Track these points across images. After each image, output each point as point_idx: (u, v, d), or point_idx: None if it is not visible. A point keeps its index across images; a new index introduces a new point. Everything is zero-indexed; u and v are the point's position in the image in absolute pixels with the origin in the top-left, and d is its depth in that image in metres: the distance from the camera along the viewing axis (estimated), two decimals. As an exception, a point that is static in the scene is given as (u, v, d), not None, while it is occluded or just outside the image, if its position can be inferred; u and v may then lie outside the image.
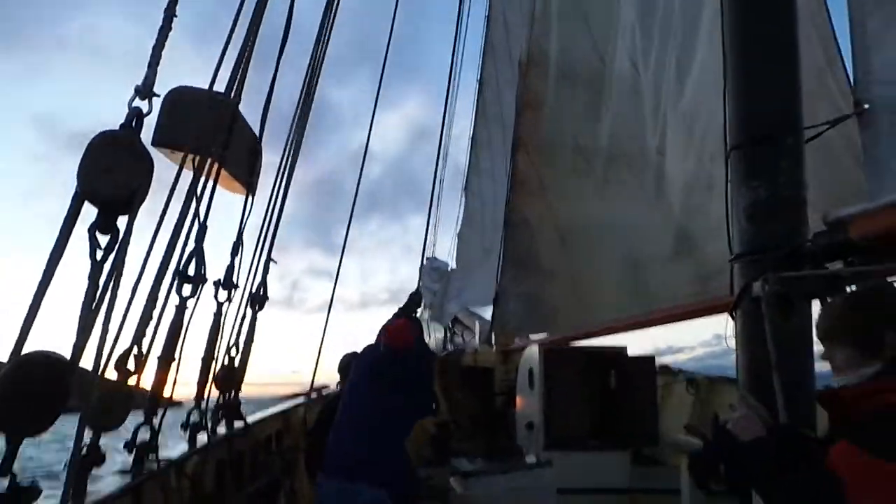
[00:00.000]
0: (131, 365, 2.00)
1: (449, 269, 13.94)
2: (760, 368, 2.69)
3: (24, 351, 1.46)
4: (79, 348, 1.48)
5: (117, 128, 1.65)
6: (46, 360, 1.45)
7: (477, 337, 10.30)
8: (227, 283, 2.95)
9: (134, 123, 1.60)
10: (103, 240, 1.55)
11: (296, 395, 5.85)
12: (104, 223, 1.53)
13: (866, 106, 3.20)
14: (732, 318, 2.93)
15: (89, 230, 1.53)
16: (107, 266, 1.54)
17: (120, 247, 1.53)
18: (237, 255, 3.00)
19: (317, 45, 3.61)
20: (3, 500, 1.43)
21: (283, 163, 3.25)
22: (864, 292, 1.84)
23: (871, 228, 2.61)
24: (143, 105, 1.65)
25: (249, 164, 2.88)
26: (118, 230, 1.57)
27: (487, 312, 10.31)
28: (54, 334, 1.66)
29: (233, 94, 2.42)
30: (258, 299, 3.41)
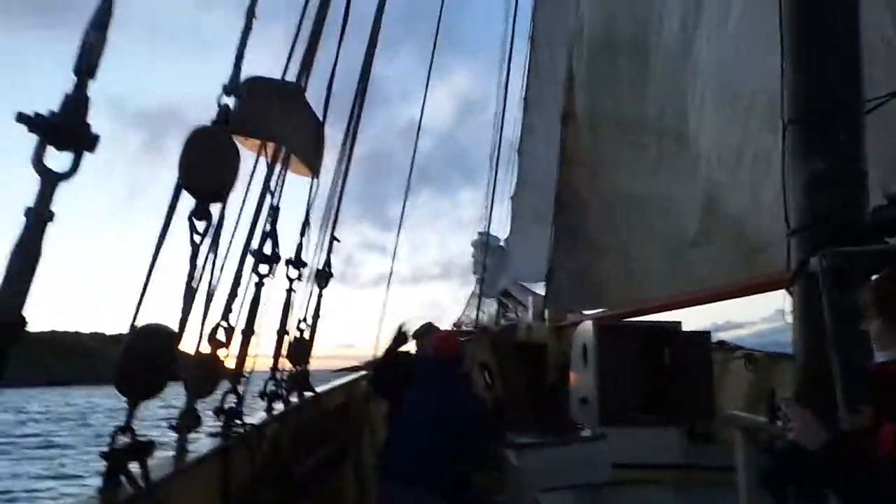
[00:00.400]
0: (221, 337, 2.23)
1: (501, 242, 14.04)
2: (817, 345, 2.73)
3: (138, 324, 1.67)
4: (183, 322, 1.69)
5: (202, 123, 1.84)
6: (159, 332, 1.66)
7: (530, 312, 10.40)
8: (297, 261, 3.16)
9: (222, 119, 1.78)
10: (199, 225, 1.75)
11: (354, 369, 6.10)
12: (201, 211, 1.72)
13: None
14: (790, 293, 2.97)
15: (189, 217, 1.72)
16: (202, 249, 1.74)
17: (215, 231, 1.73)
18: (304, 234, 3.21)
19: (374, 27, 3.76)
20: (125, 454, 1.66)
21: (344, 145, 3.44)
22: None
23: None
24: (230, 101, 1.83)
25: (315, 148, 3.07)
26: (212, 216, 1.76)
27: (539, 288, 10.41)
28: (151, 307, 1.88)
29: (302, 84, 2.59)
30: (324, 276, 3.63)
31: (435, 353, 3.67)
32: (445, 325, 12.06)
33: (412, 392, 3.47)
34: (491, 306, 13.14)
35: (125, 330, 1.60)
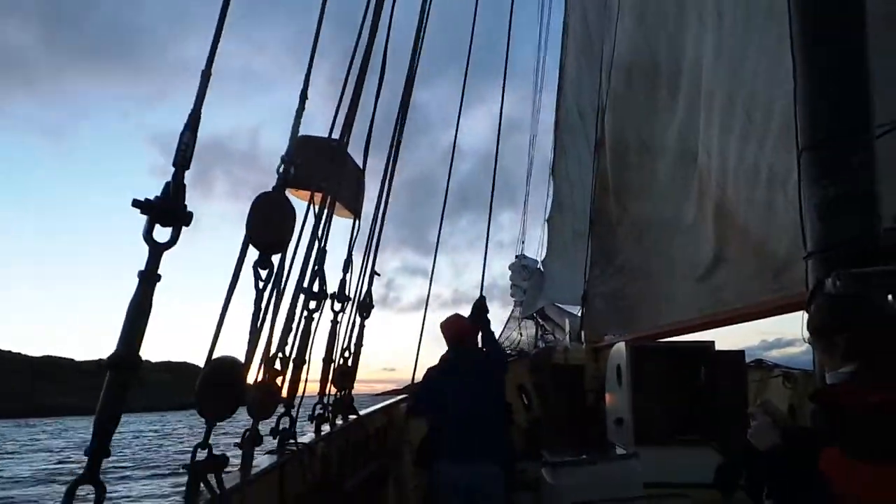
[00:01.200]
0: (277, 366, 2.59)
1: (538, 265, 14.28)
2: None
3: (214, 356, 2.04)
4: (250, 355, 2.05)
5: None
6: (232, 363, 2.02)
7: (567, 334, 10.59)
8: (341, 296, 3.53)
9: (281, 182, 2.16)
10: (262, 273, 2.12)
11: (395, 392, 6.44)
12: (264, 261, 2.09)
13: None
14: (808, 313, 3.19)
15: (254, 267, 2.09)
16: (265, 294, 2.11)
17: (276, 278, 2.09)
18: (348, 271, 3.58)
19: (411, 64, 4.15)
20: (203, 466, 2.02)
21: (382, 189, 3.82)
22: (844, 295, 2.05)
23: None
24: (288, 168, 2.20)
25: (356, 194, 3.45)
26: (273, 265, 2.13)
27: (576, 309, 10.60)
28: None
29: (345, 139, 2.98)
30: (365, 307, 4.00)
31: (449, 337, 4.27)
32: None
33: (451, 382, 3.97)
34: (530, 329, 13.36)
35: (168, 357, 1.97)
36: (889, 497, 1.44)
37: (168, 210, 1.54)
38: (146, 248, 1.55)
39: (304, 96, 2.29)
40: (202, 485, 2.00)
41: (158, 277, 1.55)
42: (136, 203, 1.50)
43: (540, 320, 12.98)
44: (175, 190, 1.56)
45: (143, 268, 1.54)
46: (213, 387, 1.99)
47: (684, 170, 5.40)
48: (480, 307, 4.59)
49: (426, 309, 5.39)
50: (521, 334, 13.23)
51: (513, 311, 14.06)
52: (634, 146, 6.18)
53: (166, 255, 1.57)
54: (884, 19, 3.50)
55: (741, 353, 6.27)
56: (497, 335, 13.33)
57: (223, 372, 2.00)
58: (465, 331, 4.38)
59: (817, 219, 3.23)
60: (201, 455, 2.02)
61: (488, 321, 4.64)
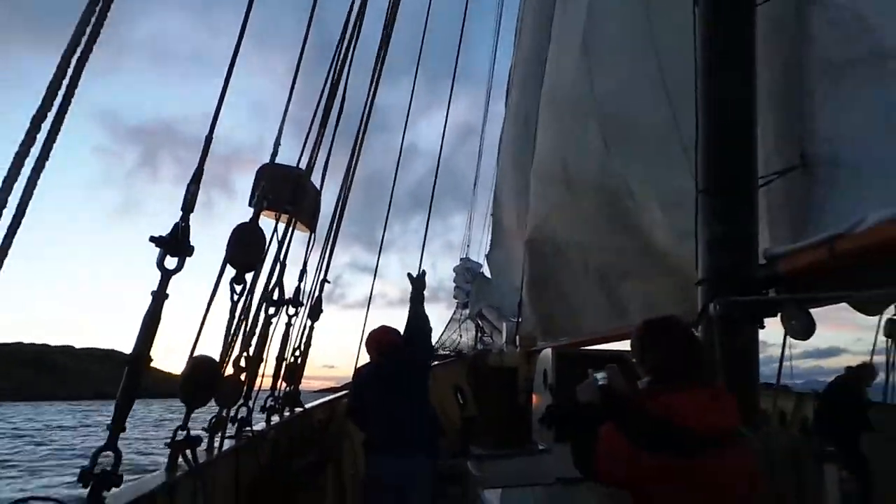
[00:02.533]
0: (242, 364, 3.10)
1: (482, 269, 14.92)
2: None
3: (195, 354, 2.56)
4: (225, 354, 2.57)
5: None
6: (211, 362, 2.54)
7: (504, 338, 11.27)
8: (296, 302, 4.04)
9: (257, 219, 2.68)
10: (237, 287, 2.64)
11: (333, 389, 6.95)
12: (239, 278, 2.61)
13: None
14: (696, 332, 3.88)
15: (230, 282, 2.61)
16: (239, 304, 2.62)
17: (249, 292, 2.61)
18: (302, 280, 4.10)
19: (369, 105, 4.66)
20: (183, 444, 2.53)
21: (335, 211, 4.36)
22: (645, 322, 2.33)
23: (795, 264, 3.51)
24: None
25: (314, 212, 3.95)
26: (246, 281, 2.64)
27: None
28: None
29: (304, 166, 3.50)
30: (316, 312, 4.52)
31: (377, 345, 4.41)
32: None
33: (376, 385, 4.32)
34: (470, 331, 14.01)
35: (98, 345, 2.44)
36: (626, 468, 1.91)
37: (176, 245, 2.05)
38: (157, 273, 2.06)
39: (279, 137, 2.80)
40: (180, 458, 2.52)
41: (167, 296, 2.06)
42: (152, 239, 2.00)
43: (480, 322, 13.63)
44: (182, 230, 2.07)
45: (154, 288, 2.05)
46: (193, 380, 2.51)
47: (600, 196, 6.05)
48: (419, 280, 4.65)
49: (368, 309, 5.84)
50: (461, 336, 13.87)
51: (454, 313, 14.70)
52: (555, 170, 6.82)
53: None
54: (769, 88, 4.21)
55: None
56: (438, 335, 13.86)
57: (202, 369, 2.52)
58: (388, 341, 4.48)
59: (707, 252, 3.92)
60: (180, 435, 2.54)
61: (422, 298, 4.74)
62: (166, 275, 2.05)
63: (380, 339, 4.45)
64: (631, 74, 5.79)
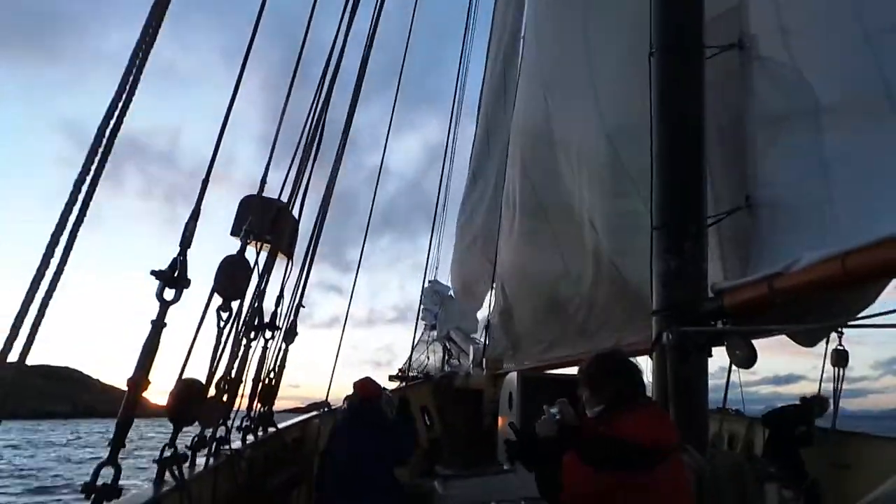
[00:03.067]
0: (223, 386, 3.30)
1: (450, 292, 15.15)
2: (665, 395, 3.90)
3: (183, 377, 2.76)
4: (210, 377, 2.77)
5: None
6: (196, 384, 2.74)
7: (471, 360, 11.50)
8: (272, 326, 4.24)
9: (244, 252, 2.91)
10: (223, 315, 2.85)
11: (297, 410, 7.09)
12: (226, 307, 2.82)
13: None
14: (651, 358, 4.17)
15: (217, 311, 2.82)
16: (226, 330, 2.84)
17: (235, 319, 2.83)
18: (279, 305, 4.31)
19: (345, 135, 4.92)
20: (170, 461, 2.72)
21: (310, 240, 4.60)
22: (598, 354, 2.70)
23: (738, 299, 3.82)
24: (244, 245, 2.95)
25: (292, 241, 4.17)
26: (232, 309, 2.86)
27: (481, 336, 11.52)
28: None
29: (285, 199, 3.74)
30: (291, 335, 4.73)
31: (361, 394, 4.53)
32: (394, 369, 13.13)
33: (348, 431, 4.44)
34: (438, 352, 14.20)
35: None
36: (592, 490, 2.12)
37: (173, 278, 2.27)
38: (156, 303, 2.28)
39: (268, 168, 3.04)
40: (167, 474, 2.70)
41: (165, 325, 2.27)
42: (153, 272, 2.22)
43: (447, 343, 13.83)
44: (180, 264, 2.29)
45: (153, 317, 2.27)
46: (181, 401, 2.71)
47: (557, 228, 6.38)
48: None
49: (343, 331, 6.02)
50: (428, 357, 14.06)
51: (423, 335, 14.85)
52: (520, 205, 7.16)
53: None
54: (718, 134, 4.58)
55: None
56: (407, 357, 14.02)
57: (191, 391, 2.72)
58: (369, 392, 4.59)
59: (661, 285, 4.22)
60: (168, 452, 2.73)
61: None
62: (164, 305, 2.26)
63: (363, 388, 4.58)
64: (578, 112, 6.15)
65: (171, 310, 2.46)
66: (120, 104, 1.79)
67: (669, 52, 4.36)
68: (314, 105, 3.89)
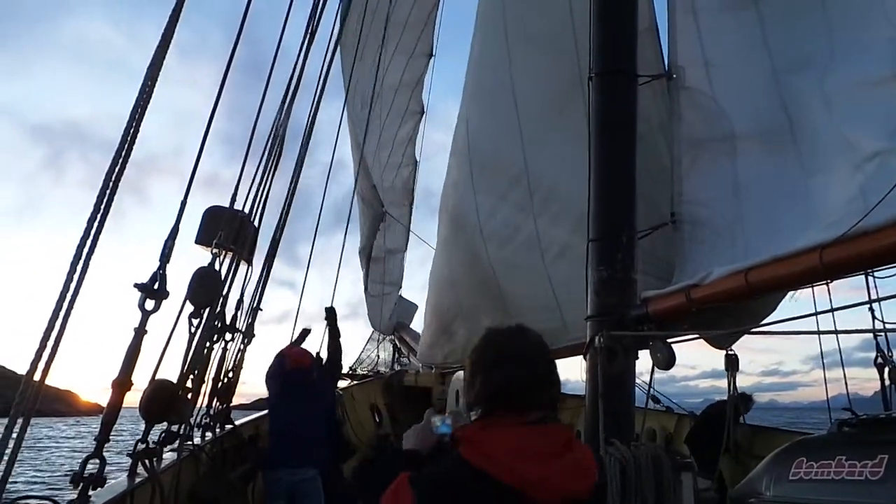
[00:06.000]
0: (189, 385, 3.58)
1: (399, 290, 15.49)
2: (595, 394, 4.32)
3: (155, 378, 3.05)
4: (183, 378, 3.07)
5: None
6: (168, 384, 3.03)
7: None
8: (233, 328, 4.53)
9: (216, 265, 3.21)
10: (194, 322, 3.15)
11: (241, 406, 7.37)
12: (197, 314, 3.12)
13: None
14: (585, 359, 4.59)
15: (189, 318, 3.12)
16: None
17: (205, 325, 3.13)
18: (239, 308, 4.60)
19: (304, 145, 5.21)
20: (143, 454, 3.01)
21: (270, 246, 4.89)
22: (490, 330, 1.73)
23: (661, 306, 4.26)
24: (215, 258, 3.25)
25: (251, 248, 4.46)
26: (202, 316, 3.16)
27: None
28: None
29: (247, 210, 4.03)
30: (249, 336, 5.02)
31: (293, 365, 5.00)
32: (344, 367, 13.39)
33: (285, 399, 4.91)
34: (387, 350, 14.53)
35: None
36: None
37: (154, 290, 2.57)
38: (139, 313, 2.57)
39: (240, 179, 3.35)
40: (140, 465, 3.00)
41: (146, 332, 2.57)
42: (136, 285, 2.52)
43: (397, 342, 14.17)
44: (160, 277, 2.59)
45: (136, 325, 2.56)
46: (154, 400, 3.00)
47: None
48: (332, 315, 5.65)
49: (294, 328, 6.24)
50: (378, 355, 14.38)
51: (373, 332, 15.14)
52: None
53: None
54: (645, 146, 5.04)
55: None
56: (357, 354, 14.31)
57: (163, 390, 3.02)
58: (305, 362, 5.09)
59: (594, 293, 4.61)
60: (140, 447, 3.02)
61: (337, 331, 5.74)
62: (145, 315, 2.56)
63: (297, 361, 5.05)
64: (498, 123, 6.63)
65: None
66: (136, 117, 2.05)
67: (606, 77, 4.78)
68: (279, 112, 4.18)
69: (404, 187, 13.41)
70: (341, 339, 5.80)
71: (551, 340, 6.16)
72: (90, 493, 2.36)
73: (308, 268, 6.83)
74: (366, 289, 13.77)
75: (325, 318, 5.72)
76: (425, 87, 12.75)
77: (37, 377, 1.80)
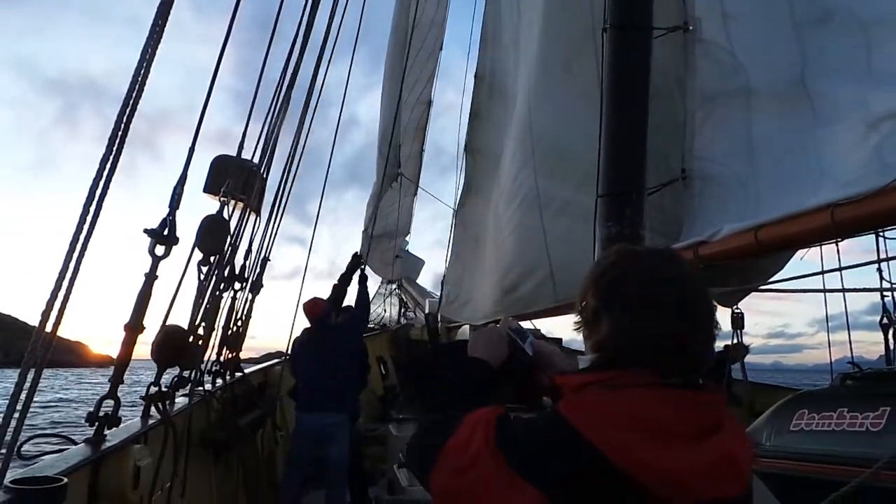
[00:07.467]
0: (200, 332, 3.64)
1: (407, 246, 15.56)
2: None
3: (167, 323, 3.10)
4: (193, 325, 3.12)
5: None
6: (179, 330, 3.09)
7: (426, 312, 11.97)
8: (241, 278, 4.58)
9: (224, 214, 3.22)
10: (204, 269, 3.18)
11: (252, 360, 7.52)
12: (206, 261, 3.15)
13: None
14: None
15: (197, 265, 3.15)
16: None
17: (217, 272, 3.16)
18: (248, 258, 4.63)
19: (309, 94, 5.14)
20: (156, 397, 3.08)
21: (276, 197, 4.91)
22: (622, 247, 1.31)
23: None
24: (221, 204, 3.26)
25: (260, 198, 4.46)
26: (212, 263, 3.19)
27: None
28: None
29: (255, 158, 4.03)
30: (257, 287, 5.08)
31: (307, 313, 5.28)
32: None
33: (306, 352, 5.06)
34: (394, 306, 14.70)
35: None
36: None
37: (164, 236, 2.60)
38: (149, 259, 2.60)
39: (245, 131, 3.34)
40: (153, 408, 3.08)
41: (157, 277, 2.60)
42: (146, 231, 2.54)
43: (404, 298, 14.32)
44: (169, 223, 2.62)
45: (146, 271, 2.59)
46: (166, 345, 3.06)
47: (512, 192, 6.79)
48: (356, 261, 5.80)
49: (303, 284, 6.33)
50: (385, 310, 14.54)
51: (380, 288, 15.28)
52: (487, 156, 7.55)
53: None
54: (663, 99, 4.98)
55: (558, 340, 7.91)
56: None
57: (174, 335, 3.07)
58: (318, 310, 5.36)
59: (601, 248, 4.64)
60: (153, 390, 3.09)
61: (364, 276, 5.92)
62: (156, 260, 2.59)
63: (311, 309, 5.30)
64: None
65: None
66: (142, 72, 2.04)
67: (621, 30, 4.70)
68: (285, 67, 4.14)
69: (417, 126, 13.43)
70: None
71: (538, 299, 6.31)
72: (105, 431, 2.43)
73: (316, 223, 6.84)
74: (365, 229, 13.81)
75: (351, 264, 5.84)
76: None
77: (48, 328, 1.83)
